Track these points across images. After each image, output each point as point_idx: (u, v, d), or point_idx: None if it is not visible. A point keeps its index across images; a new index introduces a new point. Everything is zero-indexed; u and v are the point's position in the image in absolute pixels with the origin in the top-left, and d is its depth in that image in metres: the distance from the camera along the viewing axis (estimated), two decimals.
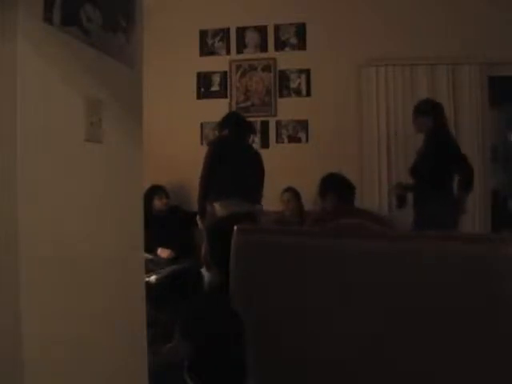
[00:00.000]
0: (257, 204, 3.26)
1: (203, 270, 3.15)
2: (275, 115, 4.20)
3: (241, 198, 3.07)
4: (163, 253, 3.54)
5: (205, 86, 4.31)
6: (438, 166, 3.06)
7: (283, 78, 4.20)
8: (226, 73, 4.29)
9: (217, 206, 3.10)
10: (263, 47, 4.24)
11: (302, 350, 1.57)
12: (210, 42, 4.32)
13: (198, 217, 3.26)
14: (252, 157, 3.36)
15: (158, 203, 3.75)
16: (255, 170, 3.33)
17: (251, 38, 4.26)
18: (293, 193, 3.79)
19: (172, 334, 2.65)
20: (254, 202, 3.23)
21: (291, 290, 1.61)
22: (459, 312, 1.35)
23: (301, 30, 4.16)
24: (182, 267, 3.45)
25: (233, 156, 3.20)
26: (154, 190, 3.74)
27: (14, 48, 0.97)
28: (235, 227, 1.84)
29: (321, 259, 1.59)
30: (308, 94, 4.16)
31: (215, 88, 4.31)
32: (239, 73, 4.27)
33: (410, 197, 3.29)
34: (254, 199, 3.22)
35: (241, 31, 4.26)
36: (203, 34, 4.32)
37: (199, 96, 4.30)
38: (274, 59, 4.21)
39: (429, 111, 3.24)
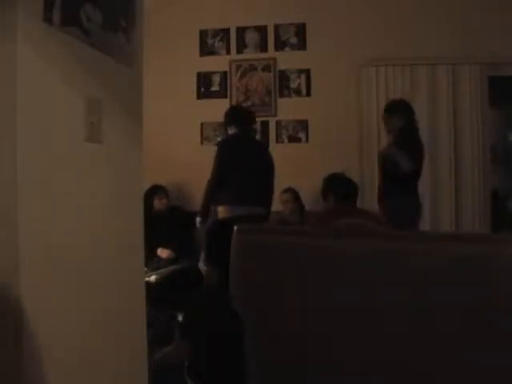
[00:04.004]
0: (263, 207, 3.16)
1: (201, 267, 3.15)
2: (275, 115, 4.20)
3: (248, 203, 3.02)
4: (163, 253, 3.53)
5: (205, 86, 4.31)
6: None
7: (283, 78, 4.20)
8: (225, 73, 4.29)
9: (220, 208, 3.07)
10: (263, 47, 4.23)
11: (301, 350, 1.57)
12: (210, 41, 4.32)
13: (198, 218, 3.20)
14: (263, 157, 3.29)
15: (157, 203, 3.74)
16: (266, 173, 3.25)
17: (251, 38, 4.25)
18: (292, 193, 3.79)
19: (172, 334, 2.66)
20: (261, 206, 3.14)
21: (291, 290, 1.61)
22: (459, 312, 1.35)
23: (301, 30, 4.16)
24: (182, 267, 3.45)
25: (243, 159, 3.12)
26: (154, 190, 3.74)
27: (14, 48, 0.97)
28: (235, 227, 1.84)
29: (321, 259, 1.59)
30: (308, 94, 4.16)
31: (215, 88, 4.31)
32: (239, 73, 4.27)
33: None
34: (261, 203, 3.14)
35: (241, 31, 4.26)
36: (203, 34, 4.32)
37: (199, 96, 4.30)
38: (274, 59, 4.21)
39: (399, 111, 3.24)
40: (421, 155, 3.21)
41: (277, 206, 3.81)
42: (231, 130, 3.28)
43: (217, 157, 3.12)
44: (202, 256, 3.13)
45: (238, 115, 3.32)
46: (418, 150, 3.18)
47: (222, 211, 3.06)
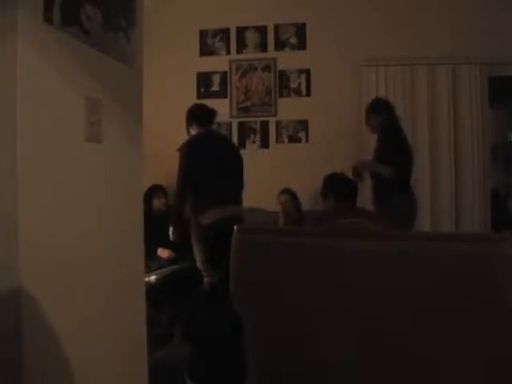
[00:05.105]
0: (238, 205, 3.08)
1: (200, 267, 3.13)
2: (275, 115, 4.20)
3: (224, 203, 2.93)
4: (163, 253, 3.53)
5: (205, 86, 4.31)
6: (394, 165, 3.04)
7: (283, 77, 4.20)
8: (225, 73, 4.29)
9: (201, 216, 2.94)
10: (263, 47, 4.24)
11: (301, 350, 1.57)
12: (210, 41, 4.32)
13: (171, 229, 3.07)
14: (230, 153, 3.15)
15: (156, 203, 3.74)
16: (235, 169, 3.12)
17: (251, 38, 4.26)
18: (290, 194, 3.79)
19: (171, 333, 2.66)
20: (237, 204, 3.07)
21: (291, 290, 1.61)
22: (459, 312, 1.35)
23: (301, 30, 4.16)
24: (182, 267, 3.45)
25: (209, 160, 2.97)
26: (153, 190, 3.74)
27: (14, 48, 0.97)
28: (235, 227, 1.84)
29: (321, 259, 1.59)
30: (308, 94, 4.16)
31: (215, 88, 4.31)
32: (239, 73, 4.27)
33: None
34: (235, 201, 3.06)
35: (241, 31, 4.26)
36: (203, 34, 4.32)
37: (199, 96, 4.30)
38: (274, 59, 4.21)
39: (381, 110, 3.24)
40: (406, 152, 3.15)
41: (275, 206, 3.82)
42: (193, 130, 3.14)
43: (182, 161, 2.96)
44: (199, 257, 3.09)
45: (198, 114, 3.16)
46: (401, 148, 3.13)
47: (207, 216, 2.91)
